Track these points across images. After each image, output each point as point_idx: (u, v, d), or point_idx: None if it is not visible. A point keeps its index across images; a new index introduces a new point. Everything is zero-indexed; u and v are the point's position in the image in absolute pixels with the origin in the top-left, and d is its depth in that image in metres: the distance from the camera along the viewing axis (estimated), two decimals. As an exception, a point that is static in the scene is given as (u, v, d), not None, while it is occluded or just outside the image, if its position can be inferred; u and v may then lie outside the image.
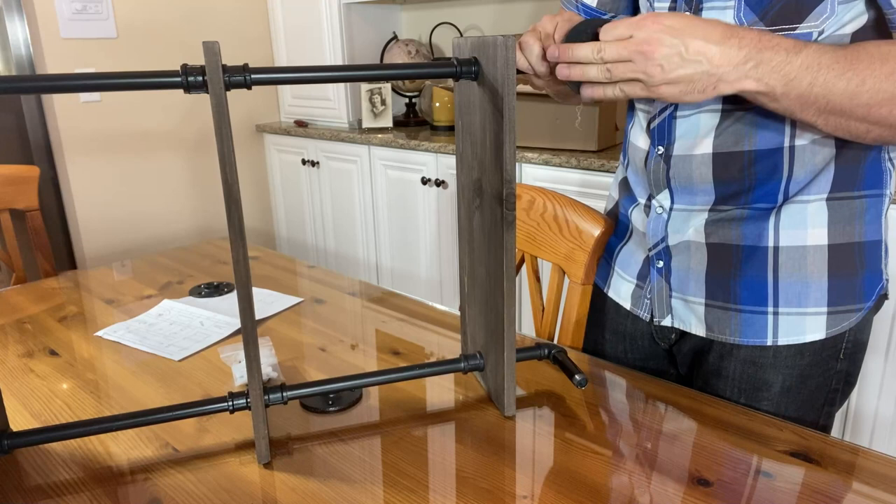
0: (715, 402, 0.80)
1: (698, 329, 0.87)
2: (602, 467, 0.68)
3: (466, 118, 0.79)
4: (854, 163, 0.78)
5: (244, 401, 0.72)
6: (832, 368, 0.83)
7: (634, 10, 0.92)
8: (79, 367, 0.94)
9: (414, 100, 2.90)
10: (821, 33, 0.71)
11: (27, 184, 1.49)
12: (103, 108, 2.68)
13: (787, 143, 0.77)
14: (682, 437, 0.73)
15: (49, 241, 1.53)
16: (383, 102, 2.76)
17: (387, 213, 2.67)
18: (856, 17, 0.72)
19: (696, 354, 0.91)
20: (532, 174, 2.12)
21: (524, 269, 1.16)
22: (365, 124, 2.79)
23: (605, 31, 0.69)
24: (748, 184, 0.80)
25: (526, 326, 2.23)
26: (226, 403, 0.72)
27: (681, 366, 0.95)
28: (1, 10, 2.42)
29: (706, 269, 0.84)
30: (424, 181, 2.45)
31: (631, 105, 0.94)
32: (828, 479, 0.65)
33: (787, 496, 0.63)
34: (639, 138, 0.90)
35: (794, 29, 0.72)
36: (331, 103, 2.91)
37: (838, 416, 1.69)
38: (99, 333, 1.05)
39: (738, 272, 0.82)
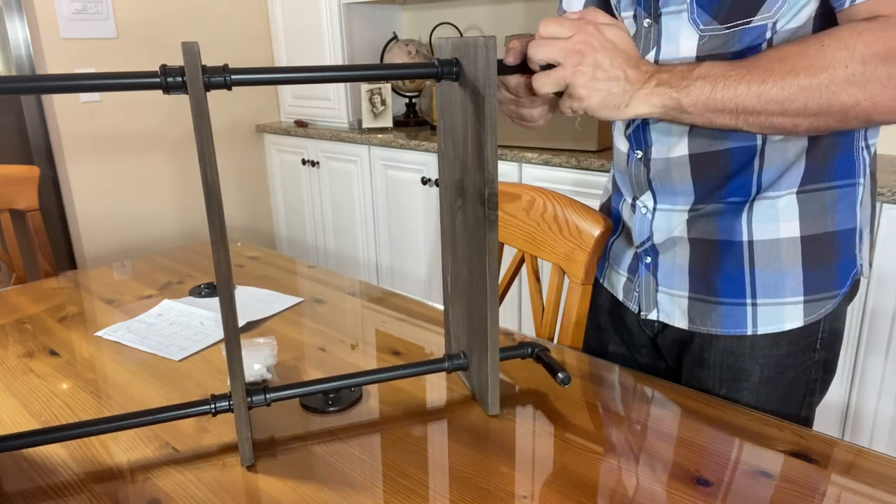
0: (714, 401, 0.80)
1: (681, 322, 0.89)
2: (598, 466, 0.68)
3: (448, 118, 0.79)
4: (824, 156, 0.79)
5: (227, 403, 0.72)
6: (810, 359, 0.85)
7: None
8: (79, 367, 0.94)
9: (414, 100, 2.91)
10: (775, 23, 0.72)
11: (27, 184, 1.49)
12: (103, 108, 2.68)
13: (759, 141, 0.78)
14: (681, 437, 0.73)
15: (49, 241, 1.53)
16: (383, 102, 2.76)
17: (387, 213, 2.67)
18: (807, 3, 0.72)
19: (680, 346, 0.92)
20: (532, 174, 2.12)
21: (524, 269, 1.16)
22: (365, 124, 2.79)
23: (545, 24, 0.70)
24: (724, 180, 0.82)
25: (526, 327, 2.23)
26: (208, 406, 0.72)
27: (668, 357, 0.96)
28: (1, 10, 2.42)
29: (689, 263, 0.86)
30: (424, 181, 2.45)
31: None
32: (828, 479, 0.65)
33: (787, 496, 0.63)
34: (619, 141, 0.92)
35: (749, 23, 0.72)
36: (331, 103, 2.91)
37: (838, 415, 1.69)
38: (99, 333, 1.05)
39: (717, 266, 0.84)
